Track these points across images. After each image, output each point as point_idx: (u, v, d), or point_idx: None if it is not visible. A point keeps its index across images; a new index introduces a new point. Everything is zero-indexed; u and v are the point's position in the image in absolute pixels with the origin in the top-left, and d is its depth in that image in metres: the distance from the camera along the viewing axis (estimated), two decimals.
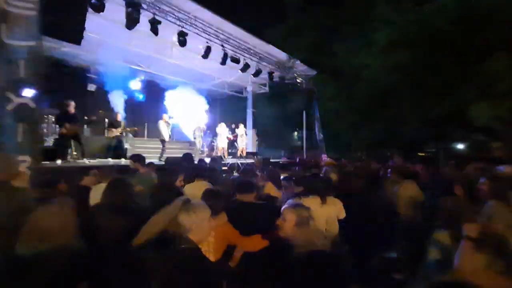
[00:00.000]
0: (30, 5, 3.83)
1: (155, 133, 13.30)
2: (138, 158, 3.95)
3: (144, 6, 6.45)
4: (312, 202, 2.51)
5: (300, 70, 12.10)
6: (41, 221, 1.53)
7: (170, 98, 10.84)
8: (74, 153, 7.59)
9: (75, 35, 5.19)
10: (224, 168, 7.37)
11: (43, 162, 5.53)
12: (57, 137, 8.00)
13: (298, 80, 11.95)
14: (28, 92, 3.98)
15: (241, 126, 11.84)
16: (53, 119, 8.63)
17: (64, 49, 8.63)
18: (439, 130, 14.60)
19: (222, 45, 8.41)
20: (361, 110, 14.81)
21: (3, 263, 1.38)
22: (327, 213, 2.69)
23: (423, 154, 17.90)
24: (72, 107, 6.62)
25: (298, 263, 1.58)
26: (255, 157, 9.93)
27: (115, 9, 5.93)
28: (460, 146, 18.30)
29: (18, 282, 1.35)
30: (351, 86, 14.58)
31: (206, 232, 1.62)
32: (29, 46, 3.91)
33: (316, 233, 1.80)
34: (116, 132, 8.18)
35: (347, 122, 15.19)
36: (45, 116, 8.11)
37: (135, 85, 11.45)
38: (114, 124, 8.28)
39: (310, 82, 12.68)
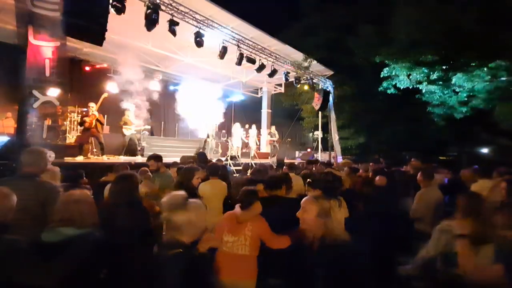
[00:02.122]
0: (54, 7, 4.00)
1: (171, 132, 13.63)
2: (159, 158, 4.08)
3: (163, 7, 6.58)
4: (331, 206, 2.48)
5: (317, 70, 11.96)
6: (68, 206, 1.62)
7: (186, 97, 11.06)
8: (94, 150, 7.87)
9: (98, 37, 5.36)
10: (237, 168, 7.39)
11: (65, 158, 5.77)
12: (78, 134, 8.33)
13: (314, 80, 11.80)
14: (53, 91, 4.16)
15: (254, 126, 11.86)
16: (76, 117, 8.99)
17: (86, 50, 8.98)
18: (463, 131, 13.98)
19: (238, 46, 8.44)
20: (381, 110, 14.40)
21: (31, 249, 1.45)
22: (344, 216, 2.65)
23: (445, 157, 17.20)
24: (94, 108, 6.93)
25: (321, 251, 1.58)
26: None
27: (135, 11, 6.09)
28: (484, 150, 17.44)
29: (46, 267, 1.42)
30: (370, 86, 14.21)
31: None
32: (54, 47, 4.09)
33: (337, 224, 1.80)
34: (130, 130, 8.38)
35: (365, 123, 14.83)
36: (68, 114, 8.43)
37: (153, 84, 11.71)
38: (127, 122, 8.50)
39: (327, 82, 12.50)
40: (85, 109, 7.88)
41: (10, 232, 1.46)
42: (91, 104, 7.04)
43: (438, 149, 15.78)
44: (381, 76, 12.59)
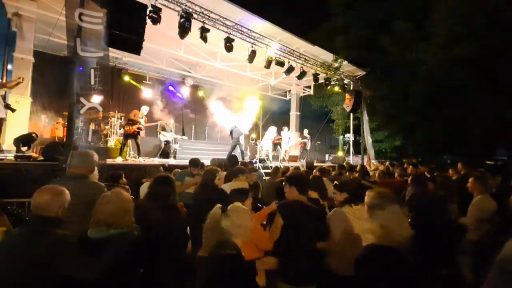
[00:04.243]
0: (98, 21, 4.35)
1: (201, 135, 14.05)
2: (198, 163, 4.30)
3: (195, 15, 6.84)
4: (360, 210, 2.35)
5: (347, 70, 11.59)
6: (100, 208, 1.72)
7: (215, 102, 11.36)
8: (132, 152, 8.36)
9: (136, 46, 5.73)
10: (267, 170, 7.37)
11: (106, 159, 6.19)
12: (118, 137, 8.90)
13: (345, 81, 11.44)
14: (96, 98, 4.52)
15: (285, 129, 11.80)
16: (116, 121, 9.63)
17: (126, 59, 9.62)
18: None
19: (267, 49, 8.47)
20: (418, 111, 13.49)
21: (79, 244, 1.57)
22: None
23: (493, 162, 15.63)
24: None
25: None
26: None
27: (167, 20, 6.41)
28: None
29: (90, 261, 1.54)
30: (405, 85, 13.40)
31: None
32: (98, 57, 4.44)
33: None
34: (167, 136, 8.75)
35: (401, 125, 13.99)
36: (110, 119, 9.04)
37: (184, 90, 12.20)
38: (165, 128, 8.89)
39: (359, 83, 12.05)
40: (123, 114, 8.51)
41: (62, 227, 1.59)
42: (145, 107, 8.03)
43: (484, 152, 14.37)
44: (418, 74, 11.85)
